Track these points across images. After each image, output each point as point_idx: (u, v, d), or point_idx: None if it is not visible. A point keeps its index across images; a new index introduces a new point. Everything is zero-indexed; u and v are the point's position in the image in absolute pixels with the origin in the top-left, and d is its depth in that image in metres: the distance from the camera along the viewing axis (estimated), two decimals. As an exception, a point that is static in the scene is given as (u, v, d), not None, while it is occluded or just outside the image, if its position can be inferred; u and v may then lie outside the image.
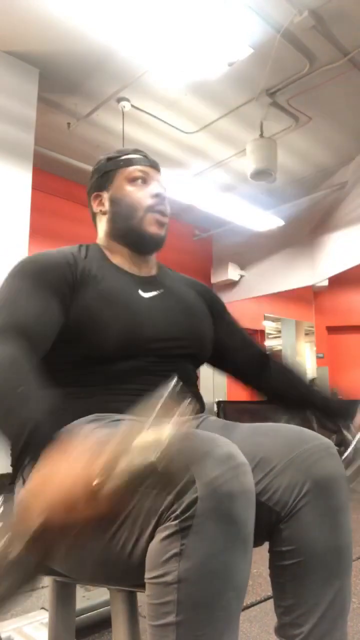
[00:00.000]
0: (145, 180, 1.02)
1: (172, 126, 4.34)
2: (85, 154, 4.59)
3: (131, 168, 1.02)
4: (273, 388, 1.12)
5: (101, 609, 1.43)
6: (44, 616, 1.39)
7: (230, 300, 6.73)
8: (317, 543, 0.74)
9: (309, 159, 4.93)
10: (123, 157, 1.03)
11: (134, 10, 2.81)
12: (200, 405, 0.98)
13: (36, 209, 3.56)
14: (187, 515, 0.59)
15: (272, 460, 0.78)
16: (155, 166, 1.06)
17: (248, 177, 4.17)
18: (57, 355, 0.87)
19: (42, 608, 1.55)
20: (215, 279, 6.58)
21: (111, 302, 0.92)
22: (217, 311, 1.12)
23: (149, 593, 0.61)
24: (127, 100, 3.98)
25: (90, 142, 4.55)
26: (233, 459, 0.63)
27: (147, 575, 0.61)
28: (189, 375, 0.97)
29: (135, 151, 1.05)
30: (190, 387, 0.97)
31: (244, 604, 1.57)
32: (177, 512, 0.59)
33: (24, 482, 0.84)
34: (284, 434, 0.81)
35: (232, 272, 6.40)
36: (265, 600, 1.62)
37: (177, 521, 0.59)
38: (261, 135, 4.14)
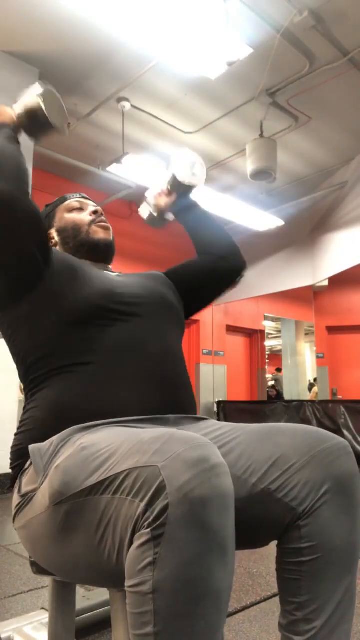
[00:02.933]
0: (81, 208, 1.16)
1: (172, 126, 4.35)
2: (85, 154, 4.59)
3: (67, 202, 1.18)
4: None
5: (101, 609, 1.43)
6: (44, 616, 1.39)
7: (230, 300, 6.73)
8: (336, 539, 0.74)
9: (309, 159, 4.94)
10: (58, 198, 1.20)
11: (134, 10, 2.81)
12: (188, 400, 0.98)
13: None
14: (159, 522, 0.58)
15: (292, 458, 0.78)
16: (88, 198, 1.21)
17: (248, 177, 4.17)
18: (39, 330, 0.94)
19: (42, 608, 1.55)
20: (215, 279, 6.57)
21: (85, 267, 1.02)
22: (171, 276, 1.21)
23: (128, 602, 0.61)
24: (127, 100, 3.98)
25: (90, 142, 4.55)
26: (205, 461, 0.61)
27: (126, 583, 0.61)
28: (165, 334, 1.01)
29: (68, 193, 1.22)
30: (177, 364, 0.99)
31: (244, 604, 1.57)
32: (150, 519, 0.58)
33: (21, 487, 0.84)
34: (302, 434, 0.82)
35: (232, 272, 6.39)
36: (265, 600, 1.62)
37: (149, 529, 0.58)
38: (261, 135, 4.14)
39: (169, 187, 1.26)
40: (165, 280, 1.17)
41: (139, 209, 1.29)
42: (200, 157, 1.26)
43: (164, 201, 1.26)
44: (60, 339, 0.92)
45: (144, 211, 1.28)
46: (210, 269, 1.22)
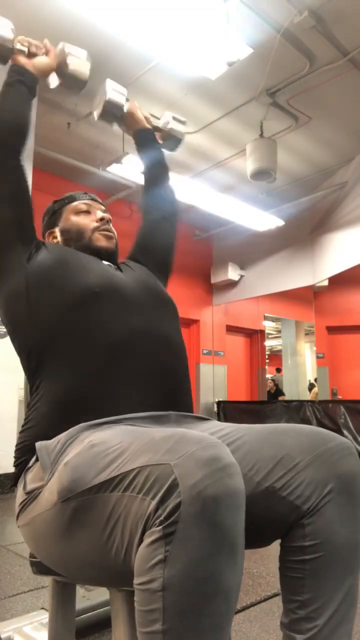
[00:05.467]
0: (89, 211, 1.15)
1: (172, 126, 4.34)
2: (85, 154, 4.59)
3: (75, 203, 1.16)
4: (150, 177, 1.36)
5: (101, 609, 1.43)
6: (44, 616, 1.40)
7: (230, 300, 6.74)
8: (339, 538, 0.75)
9: (309, 159, 4.94)
10: (67, 196, 1.18)
11: (134, 10, 2.81)
12: (184, 394, 0.99)
13: (36, 208, 3.56)
14: (170, 520, 0.58)
15: (296, 457, 0.78)
16: (96, 199, 1.20)
17: (248, 177, 4.17)
18: (39, 318, 0.95)
19: (42, 608, 1.55)
20: (215, 279, 6.58)
21: (80, 256, 1.05)
22: (136, 256, 1.24)
23: (137, 599, 0.60)
24: (127, 100, 3.97)
25: (90, 142, 4.55)
26: (218, 460, 0.61)
27: (135, 580, 0.61)
28: (163, 326, 1.03)
29: (78, 191, 1.21)
30: (176, 356, 1.00)
31: (244, 604, 1.57)
32: (161, 517, 0.59)
33: (25, 484, 0.84)
34: (306, 434, 0.82)
35: (232, 272, 6.40)
36: (265, 600, 1.62)
37: (161, 527, 0.58)
38: (261, 135, 4.15)
39: (162, 128, 1.38)
40: (142, 266, 1.19)
41: (105, 94, 1.35)
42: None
43: (140, 118, 1.43)
44: (58, 324, 0.93)
45: (108, 94, 1.35)
46: (157, 229, 1.28)
